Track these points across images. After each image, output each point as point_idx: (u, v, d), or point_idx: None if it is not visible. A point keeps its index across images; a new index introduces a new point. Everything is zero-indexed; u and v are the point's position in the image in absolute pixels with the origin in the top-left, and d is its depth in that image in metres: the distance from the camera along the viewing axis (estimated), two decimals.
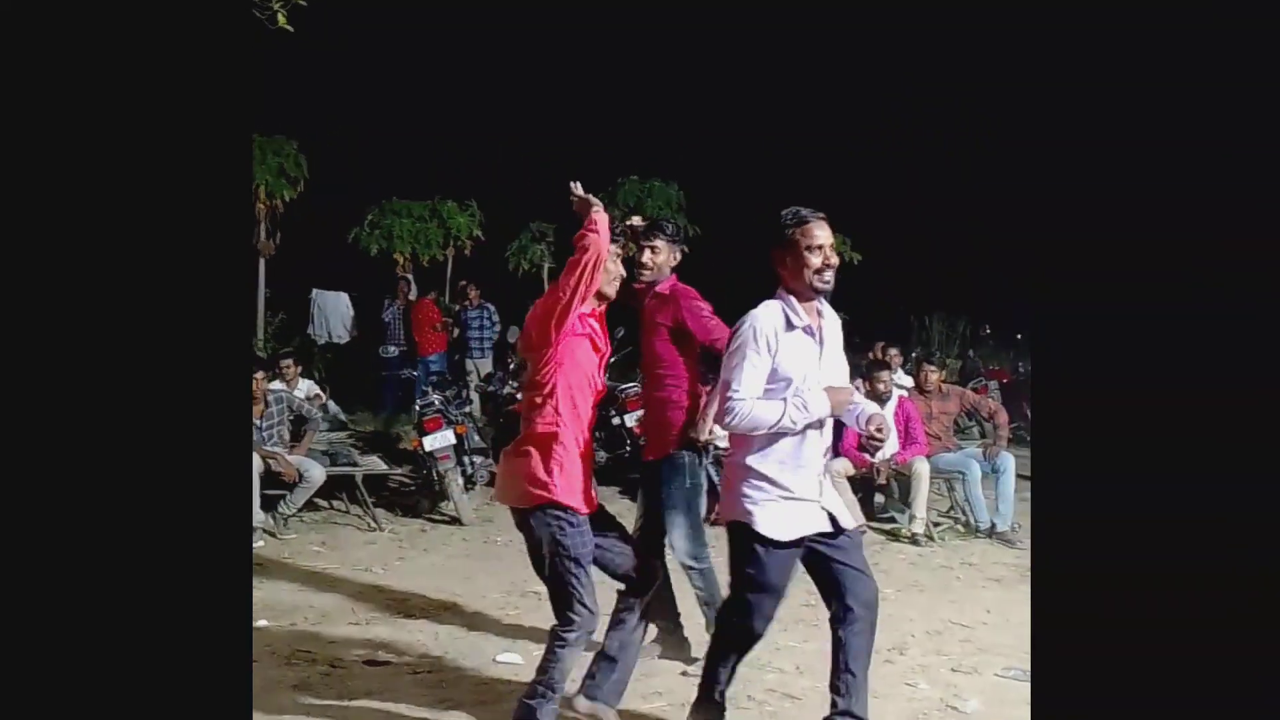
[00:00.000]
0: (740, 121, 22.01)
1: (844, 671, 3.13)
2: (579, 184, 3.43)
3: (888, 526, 7.36)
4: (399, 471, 8.25)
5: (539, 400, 3.29)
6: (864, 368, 8.07)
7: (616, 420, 9.41)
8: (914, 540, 6.93)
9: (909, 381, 8.72)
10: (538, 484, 3.24)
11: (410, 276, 12.91)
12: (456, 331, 11.95)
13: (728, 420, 3.11)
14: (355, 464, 7.45)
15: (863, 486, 7.48)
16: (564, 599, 3.29)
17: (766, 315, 3.15)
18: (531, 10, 21.24)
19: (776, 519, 3.12)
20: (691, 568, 4.14)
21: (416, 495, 7.83)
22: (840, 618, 3.14)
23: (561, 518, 3.25)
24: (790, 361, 3.13)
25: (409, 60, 20.64)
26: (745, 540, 3.15)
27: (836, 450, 7.54)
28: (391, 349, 12.28)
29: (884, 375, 7.53)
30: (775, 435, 3.12)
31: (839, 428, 7.64)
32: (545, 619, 4.98)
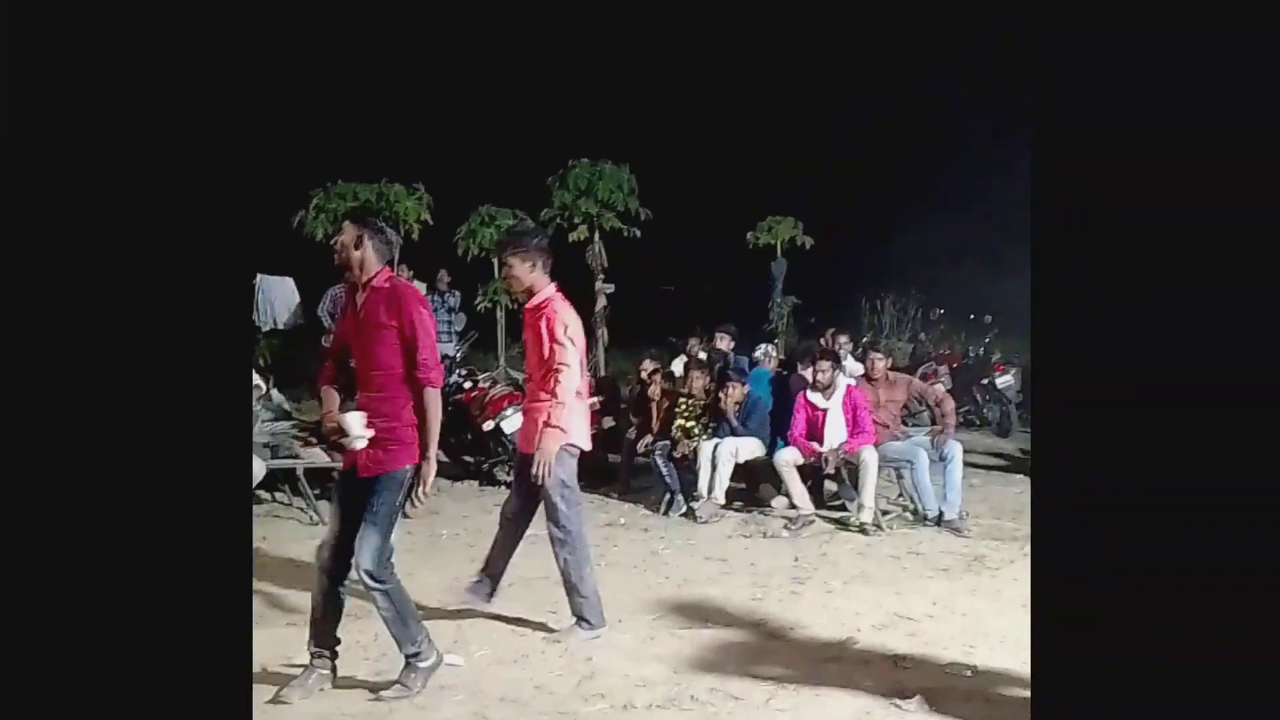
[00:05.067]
0: (692, 104, 21.91)
1: None
2: None
3: (836, 515, 7.36)
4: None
5: None
6: (813, 355, 7.93)
7: None
8: (862, 530, 6.94)
9: (860, 369, 8.70)
10: None
11: None
12: None
13: None
14: (297, 456, 7.30)
15: (811, 475, 7.47)
16: None
17: None
18: None
19: None
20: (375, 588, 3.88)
21: None
22: None
23: None
24: None
25: (354, 38, 20.29)
26: None
27: (785, 439, 7.54)
28: None
29: (824, 365, 7.46)
30: None
31: (786, 417, 7.65)
32: (488, 617, 4.92)
